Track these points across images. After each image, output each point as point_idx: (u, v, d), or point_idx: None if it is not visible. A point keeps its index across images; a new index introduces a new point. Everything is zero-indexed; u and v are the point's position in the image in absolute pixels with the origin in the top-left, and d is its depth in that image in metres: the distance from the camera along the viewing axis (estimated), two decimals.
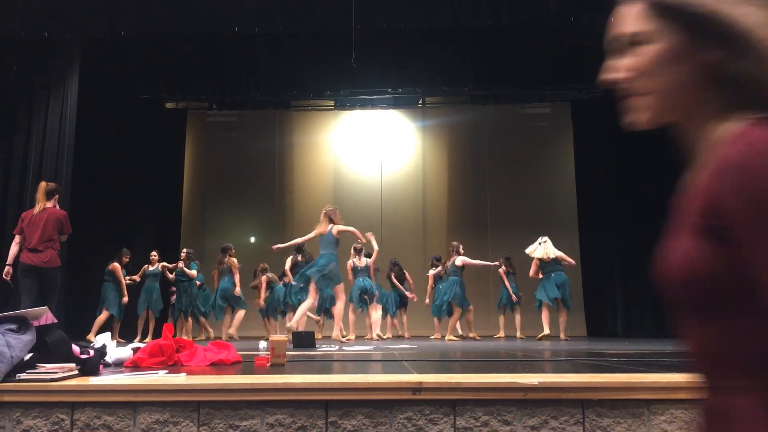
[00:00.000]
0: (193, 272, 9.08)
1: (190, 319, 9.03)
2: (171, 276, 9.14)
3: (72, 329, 7.09)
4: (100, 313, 8.56)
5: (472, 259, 9.22)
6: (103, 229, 9.97)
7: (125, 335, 8.64)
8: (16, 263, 5.56)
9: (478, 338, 9.10)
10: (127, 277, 8.93)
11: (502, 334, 9.67)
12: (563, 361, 3.87)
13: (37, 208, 5.63)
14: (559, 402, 2.27)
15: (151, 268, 9.20)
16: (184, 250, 9.43)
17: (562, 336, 8.59)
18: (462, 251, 9.13)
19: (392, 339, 8.93)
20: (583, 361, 3.89)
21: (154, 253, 9.34)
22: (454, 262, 9.03)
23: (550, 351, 5.26)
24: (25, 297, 5.39)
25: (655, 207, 10.00)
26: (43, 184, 5.88)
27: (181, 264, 9.09)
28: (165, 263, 9.15)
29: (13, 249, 5.53)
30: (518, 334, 9.45)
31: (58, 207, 5.84)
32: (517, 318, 9.61)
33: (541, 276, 8.88)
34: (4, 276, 5.59)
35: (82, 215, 9.41)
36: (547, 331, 8.62)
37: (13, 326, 2.54)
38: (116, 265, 8.77)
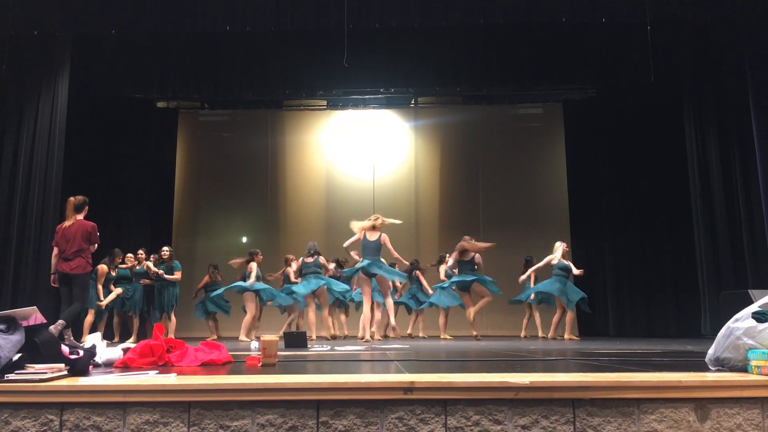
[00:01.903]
0: (175, 276, 8.86)
1: (173, 317, 8.90)
2: (153, 271, 8.95)
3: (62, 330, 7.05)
4: (85, 314, 8.46)
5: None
6: None
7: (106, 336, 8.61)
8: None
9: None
10: (145, 280, 8.96)
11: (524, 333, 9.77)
12: (554, 361, 3.88)
13: (68, 222, 6.20)
14: (550, 401, 2.27)
15: (137, 267, 9.10)
16: (165, 248, 9.11)
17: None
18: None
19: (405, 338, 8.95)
20: (574, 361, 3.90)
21: (141, 251, 9.19)
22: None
23: (541, 351, 5.27)
24: (63, 302, 6.15)
25: (646, 206, 10.08)
26: (71, 199, 6.34)
27: (152, 265, 8.92)
28: (149, 263, 9.00)
29: (54, 259, 6.19)
30: (540, 333, 9.63)
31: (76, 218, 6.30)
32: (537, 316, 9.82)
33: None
34: (52, 283, 6.28)
35: None
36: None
37: (2, 326, 2.52)
38: (103, 267, 8.67)
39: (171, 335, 8.46)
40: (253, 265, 8.81)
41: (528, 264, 9.87)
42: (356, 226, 7.83)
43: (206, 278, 9.81)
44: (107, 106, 10.64)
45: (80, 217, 6.26)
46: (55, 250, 6.17)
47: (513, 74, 9.87)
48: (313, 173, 12.46)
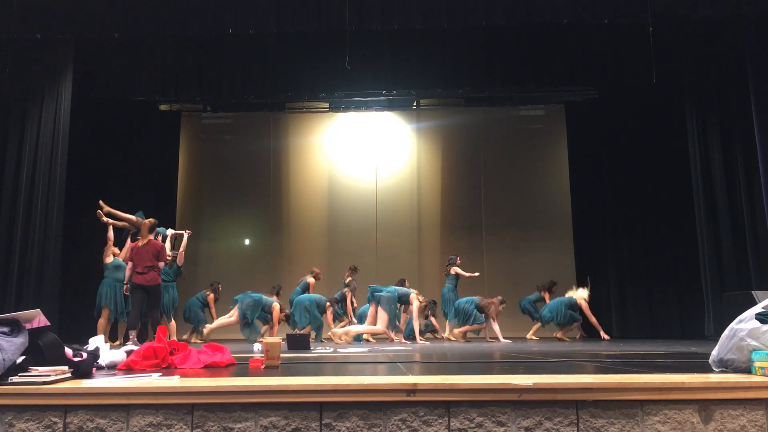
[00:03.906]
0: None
1: (173, 320, 8.86)
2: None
3: (66, 332, 7.07)
4: (99, 315, 8.41)
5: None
6: (96, 232, 9.93)
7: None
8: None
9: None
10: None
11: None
12: (557, 362, 3.87)
13: (143, 242, 7.25)
14: (554, 403, 2.27)
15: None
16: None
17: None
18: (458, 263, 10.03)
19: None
20: (577, 363, 3.90)
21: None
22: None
23: (544, 352, 5.26)
24: (134, 306, 7.17)
25: (649, 207, 10.06)
26: (145, 222, 7.43)
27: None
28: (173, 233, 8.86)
29: (127, 272, 7.29)
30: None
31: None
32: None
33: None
34: (125, 292, 7.55)
35: (74, 217, 9.38)
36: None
37: (6, 329, 2.52)
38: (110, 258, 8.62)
39: (173, 338, 8.47)
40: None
41: (551, 287, 10.21)
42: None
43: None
44: (110, 108, 10.65)
45: (152, 237, 7.36)
46: (130, 264, 7.22)
47: (515, 76, 9.86)
48: (316, 175, 12.47)
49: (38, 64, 8.52)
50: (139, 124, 11.41)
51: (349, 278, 9.99)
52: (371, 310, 8.24)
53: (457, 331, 9.03)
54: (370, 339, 8.85)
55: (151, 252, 7.16)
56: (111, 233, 8.62)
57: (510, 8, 8.13)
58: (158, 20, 8.28)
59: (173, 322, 8.80)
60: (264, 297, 8.71)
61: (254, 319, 8.46)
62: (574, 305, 9.32)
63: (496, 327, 8.90)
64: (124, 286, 7.41)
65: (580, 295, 9.39)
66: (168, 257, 8.46)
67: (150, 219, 7.53)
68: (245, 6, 8.26)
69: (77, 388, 2.37)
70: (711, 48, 8.97)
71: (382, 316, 7.98)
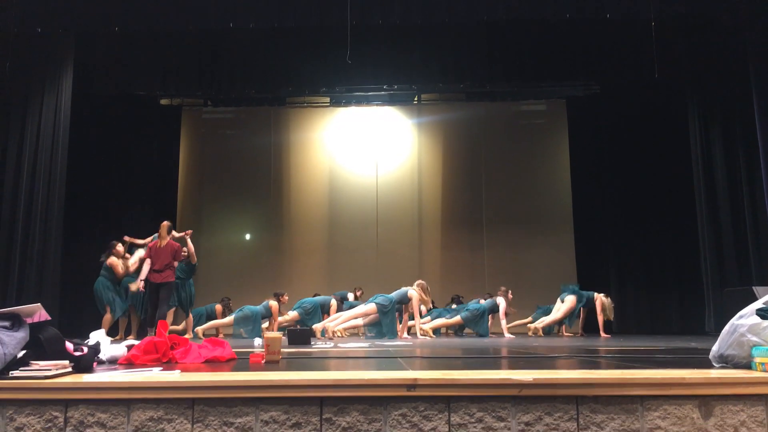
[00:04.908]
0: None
1: (191, 315, 8.87)
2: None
3: (67, 326, 7.08)
4: (104, 312, 8.41)
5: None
6: (96, 226, 9.94)
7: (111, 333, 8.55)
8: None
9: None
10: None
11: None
12: (558, 358, 3.88)
13: (163, 242, 7.62)
14: (554, 398, 2.27)
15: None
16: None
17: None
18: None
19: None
20: (577, 358, 3.90)
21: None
22: None
23: (544, 348, 5.27)
24: (151, 304, 7.50)
25: (650, 203, 10.04)
26: (164, 224, 7.77)
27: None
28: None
29: (145, 269, 7.50)
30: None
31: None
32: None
33: None
34: (141, 288, 7.59)
35: (75, 212, 9.38)
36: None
37: (7, 323, 2.53)
38: (116, 261, 8.61)
39: (189, 332, 8.49)
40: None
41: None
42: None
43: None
44: (110, 103, 10.63)
45: (170, 237, 7.73)
46: (148, 262, 7.50)
47: (516, 71, 9.83)
48: (317, 170, 12.46)
49: (39, 58, 8.51)
50: (139, 119, 11.40)
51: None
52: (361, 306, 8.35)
53: (430, 325, 9.04)
54: (343, 334, 8.67)
55: (170, 252, 7.61)
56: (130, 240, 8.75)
57: (512, 3, 8.12)
58: (159, 14, 8.26)
59: (191, 317, 8.84)
60: (257, 307, 8.76)
61: (256, 330, 8.44)
62: (590, 300, 9.29)
63: (503, 323, 8.93)
64: (140, 283, 7.60)
65: (602, 296, 9.28)
66: (184, 254, 8.51)
67: (167, 221, 7.90)
68: (246, 0, 8.25)
69: (78, 382, 2.37)
70: (714, 44, 8.94)
71: (369, 306, 8.14)
